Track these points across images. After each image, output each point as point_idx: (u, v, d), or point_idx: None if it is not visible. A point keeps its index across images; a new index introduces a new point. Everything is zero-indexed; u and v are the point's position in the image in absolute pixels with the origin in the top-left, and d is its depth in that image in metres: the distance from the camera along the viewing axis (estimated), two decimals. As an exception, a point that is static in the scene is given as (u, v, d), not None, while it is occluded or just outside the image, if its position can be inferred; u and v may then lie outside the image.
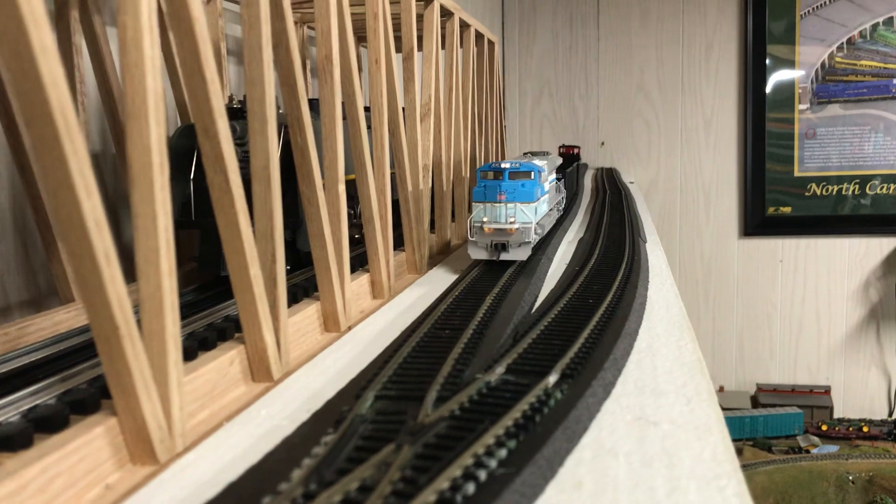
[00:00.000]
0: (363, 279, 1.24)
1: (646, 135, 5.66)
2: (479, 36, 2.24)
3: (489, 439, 0.61)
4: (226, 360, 0.81)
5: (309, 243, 1.06)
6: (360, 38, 1.80)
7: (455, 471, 0.55)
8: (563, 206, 1.99)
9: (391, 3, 1.43)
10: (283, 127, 1.14)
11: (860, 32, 5.24)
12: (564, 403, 0.72)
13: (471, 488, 0.54)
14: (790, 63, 5.30)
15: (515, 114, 5.89)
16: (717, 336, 5.55)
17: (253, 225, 0.82)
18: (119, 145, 1.26)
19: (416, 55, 1.57)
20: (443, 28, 1.86)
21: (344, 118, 1.17)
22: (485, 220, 1.33)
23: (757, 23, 5.32)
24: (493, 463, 0.58)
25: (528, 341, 0.89)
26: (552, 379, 0.76)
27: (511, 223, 1.32)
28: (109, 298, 0.59)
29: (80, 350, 0.89)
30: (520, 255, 1.33)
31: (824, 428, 4.83)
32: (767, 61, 5.31)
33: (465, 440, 0.60)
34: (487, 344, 0.92)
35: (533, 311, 1.14)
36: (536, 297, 1.27)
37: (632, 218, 2.15)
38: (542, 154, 1.84)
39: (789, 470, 4.09)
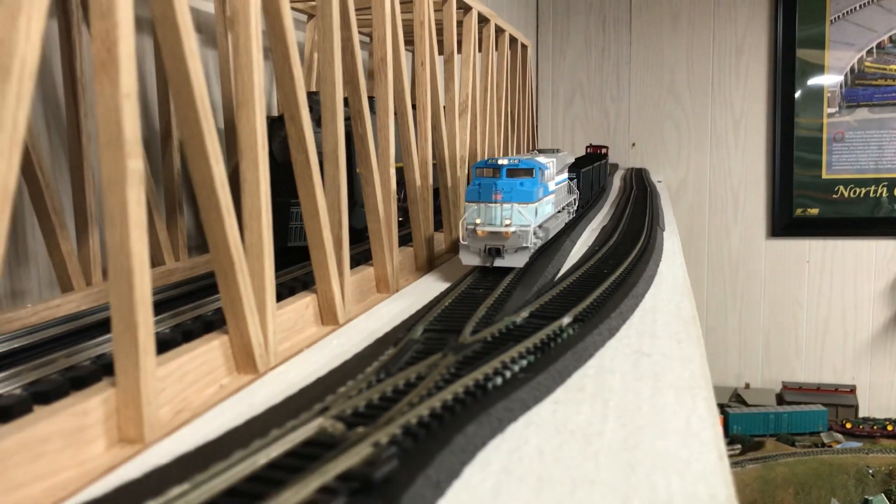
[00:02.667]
0: (409, 251, 1.43)
1: (676, 136, 5.78)
2: (512, 39, 2.42)
3: (514, 354, 0.79)
4: (302, 305, 1.00)
5: (361, 221, 1.25)
6: (408, 42, 2.00)
7: (487, 369, 0.73)
8: (575, 207, 1.86)
9: (434, 10, 1.62)
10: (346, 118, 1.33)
11: (890, 37, 5.32)
12: (575, 337, 0.90)
13: (498, 381, 0.73)
14: (819, 67, 5.40)
15: (548, 114, 6.05)
16: (744, 334, 5.66)
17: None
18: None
19: (456, 57, 1.75)
20: (480, 33, 2.04)
21: (394, 113, 1.36)
22: (478, 221, 1.22)
23: (787, 27, 5.43)
24: (516, 368, 0.77)
25: (548, 297, 1.07)
26: (566, 320, 0.94)
27: (507, 226, 1.21)
28: (228, 241, 0.78)
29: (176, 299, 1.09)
30: (516, 261, 1.22)
31: (848, 426, 4.92)
32: (797, 65, 5.41)
33: (495, 353, 0.78)
34: (514, 300, 1.11)
35: (555, 280, 1.32)
36: (559, 269, 1.45)
37: (653, 210, 2.31)
38: (551, 151, 1.72)
39: (810, 462, 4.20)
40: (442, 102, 1.60)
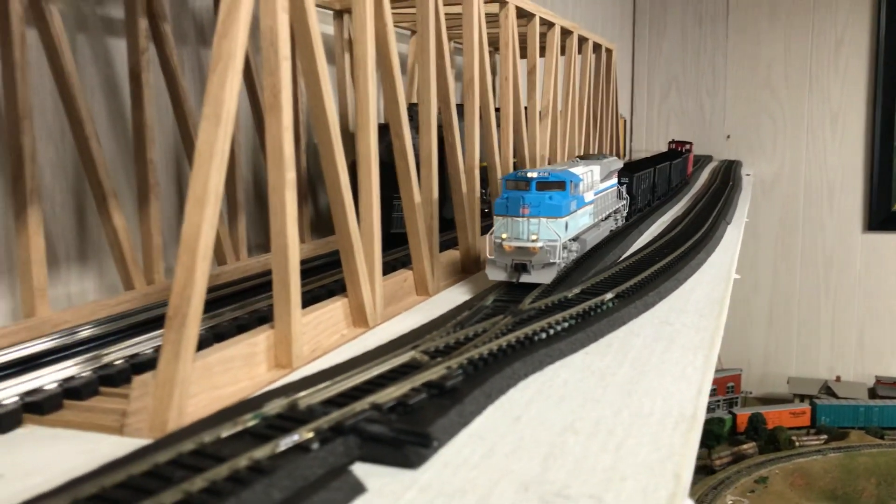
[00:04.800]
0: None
1: (771, 129, 5.81)
2: (596, 46, 2.64)
3: (558, 317, 1.04)
4: (401, 278, 1.28)
5: (451, 212, 1.52)
6: (496, 48, 2.25)
7: (535, 327, 0.99)
8: (624, 213, 1.87)
9: (519, 28, 1.87)
10: (439, 127, 1.61)
11: None
12: (613, 309, 1.15)
13: (543, 335, 0.98)
14: (923, 59, 5.32)
15: (643, 108, 6.17)
16: (837, 327, 5.65)
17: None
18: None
19: (539, 67, 2.00)
20: (563, 43, 2.27)
21: (480, 119, 1.62)
22: (504, 236, 1.21)
23: (890, 20, 5.37)
24: (559, 328, 1.02)
25: (599, 277, 1.32)
26: (608, 296, 1.18)
27: (533, 241, 1.19)
28: (349, 228, 1.07)
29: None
30: (543, 277, 1.20)
31: (943, 423, 4.89)
32: (899, 57, 5.35)
33: (544, 317, 1.04)
34: (571, 281, 1.35)
35: (613, 264, 1.55)
36: (619, 256, 1.68)
37: (723, 204, 2.49)
38: (596, 158, 1.69)
39: (895, 454, 4.24)
40: (524, 108, 1.85)
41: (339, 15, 1.84)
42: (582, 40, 2.45)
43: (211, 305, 1.06)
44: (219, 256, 1.45)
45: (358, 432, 0.67)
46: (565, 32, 2.24)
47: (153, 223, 1.29)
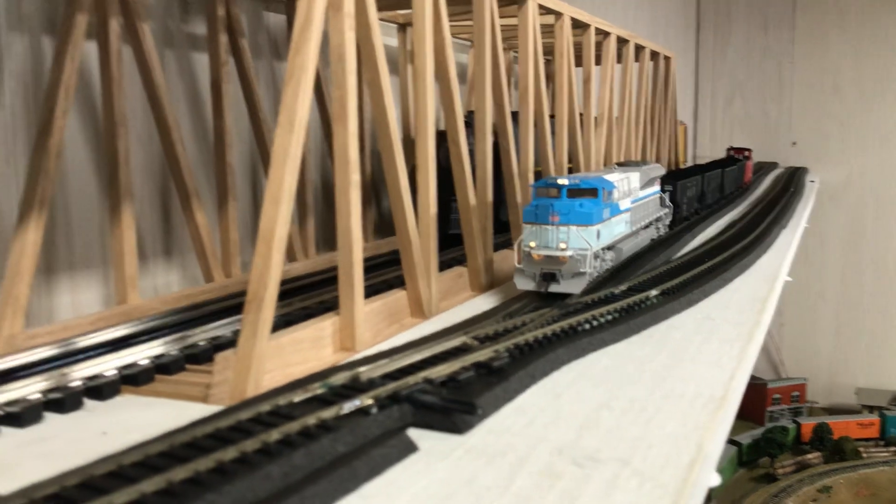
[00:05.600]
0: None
1: (839, 135, 5.72)
2: (654, 54, 2.69)
3: (603, 310, 1.11)
4: (456, 274, 1.37)
5: (506, 214, 1.59)
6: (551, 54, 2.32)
7: (580, 318, 1.06)
8: (667, 222, 1.82)
9: (574, 37, 1.94)
10: (495, 134, 1.69)
11: None
12: (657, 304, 1.21)
13: (588, 326, 1.06)
14: None
15: (707, 115, 6.14)
16: (909, 338, 5.52)
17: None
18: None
19: (595, 72, 2.06)
20: (619, 51, 2.33)
21: (534, 126, 1.70)
22: (532, 244, 1.19)
23: (965, 22, 5.25)
24: (602, 320, 1.09)
25: (647, 275, 1.38)
26: (653, 292, 1.25)
27: (562, 249, 1.17)
28: (409, 227, 1.16)
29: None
30: (572, 287, 1.18)
31: None
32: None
33: (589, 309, 1.11)
34: (621, 278, 1.42)
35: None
36: (671, 257, 1.73)
37: (780, 210, 2.51)
38: (635, 164, 1.65)
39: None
40: (578, 115, 1.92)
41: (402, 28, 1.94)
42: (639, 48, 2.50)
43: (283, 296, 1.16)
44: (290, 253, 1.56)
45: (412, 401, 0.75)
46: (621, 41, 2.30)
47: (231, 221, 1.41)
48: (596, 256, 1.21)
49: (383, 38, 1.96)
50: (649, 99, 2.64)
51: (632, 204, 1.47)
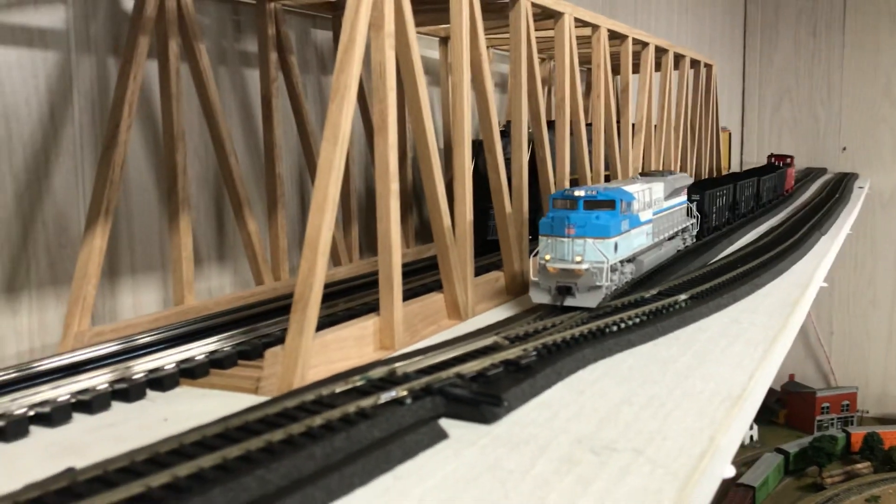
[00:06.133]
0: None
1: (891, 140, 5.63)
2: (694, 62, 2.72)
3: (631, 313, 1.16)
4: (493, 278, 1.43)
5: (545, 220, 1.65)
6: (586, 63, 2.37)
7: (608, 321, 1.12)
8: (693, 233, 1.78)
9: (611, 48, 1.99)
10: (531, 142, 1.75)
11: None
12: (685, 308, 1.25)
13: (615, 328, 1.11)
14: None
15: (754, 120, 6.09)
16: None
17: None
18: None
19: (633, 81, 2.10)
20: (658, 60, 2.37)
21: (571, 134, 1.75)
22: (548, 257, 1.17)
23: None
24: (630, 323, 1.14)
25: (678, 280, 1.42)
26: (682, 296, 1.29)
27: (578, 262, 1.15)
28: (446, 234, 1.22)
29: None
30: (588, 301, 1.15)
31: None
32: None
33: (618, 312, 1.16)
34: (655, 282, 1.46)
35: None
36: (707, 262, 1.77)
37: (822, 216, 2.51)
38: (660, 175, 1.61)
39: None
40: (615, 124, 1.97)
41: (443, 41, 2.01)
42: (678, 57, 2.54)
43: (328, 298, 1.24)
44: (334, 258, 1.64)
45: (443, 393, 0.82)
46: (660, 51, 2.34)
47: (280, 228, 1.49)
48: (613, 269, 1.19)
49: (426, 51, 2.04)
50: (689, 107, 2.67)
51: (654, 215, 1.45)
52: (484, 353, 0.96)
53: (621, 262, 1.24)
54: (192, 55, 1.32)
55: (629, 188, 1.31)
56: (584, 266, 1.14)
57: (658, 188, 1.49)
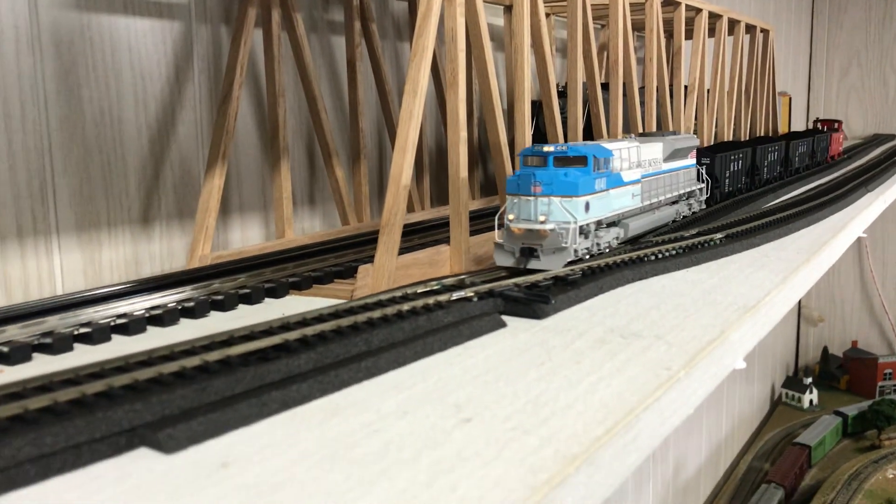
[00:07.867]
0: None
1: (963, 106, 5.55)
2: (749, 27, 2.82)
3: (669, 247, 1.34)
4: (550, 221, 1.61)
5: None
6: (639, 27, 2.51)
7: (647, 251, 1.29)
8: (701, 198, 1.71)
9: (665, 13, 2.13)
10: (587, 103, 1.92)
11: None
12: (720, 244, 1.42)
13: (653, 258, 1.29)
14: None
15: (822, 85, 6.06)
16: None
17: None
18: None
19: (684, 49, 2.24)
20: (712, 26, 2.49)
21: (623, 95, 1.91)
22: (511, 217, 1.10)
23: None
24: (667, 254, 1.32)
25: (719, 222, 1.59)
26: (718, 235, 1.46)
27: (542, 223, 1.08)
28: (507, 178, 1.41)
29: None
30: (552, 263, 1.09)
31: None
32: None
33: (657, 245, 1.34)
34: (692, 225, 1.63)
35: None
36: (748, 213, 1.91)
37: (872, 177, 2.61)
38: (661, 134, 1.54)
39: None
40: (667, 86, 2.12)
41: (507, 9, 2.18)
42: (733, 23, 2.65)
43: (406, 234, 1.45)
44: (409, 206, 1.85)
45: (503, 296, 1.02)
46: (713, 16, 2.46)
47: (363, 176, 1.70)
48: (583, 231, 1.12)
49: (492, 18, 2.21)
50: (744, 71, 2.78)
51: (642, 176, 1.37)
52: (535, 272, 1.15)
53: (596, 223, 1.18)
54: (290, 25, 1.53)
55: (608, 145, 1.26)
56: (550, 226, 1.08)
57: (653, 148, 1.42)
